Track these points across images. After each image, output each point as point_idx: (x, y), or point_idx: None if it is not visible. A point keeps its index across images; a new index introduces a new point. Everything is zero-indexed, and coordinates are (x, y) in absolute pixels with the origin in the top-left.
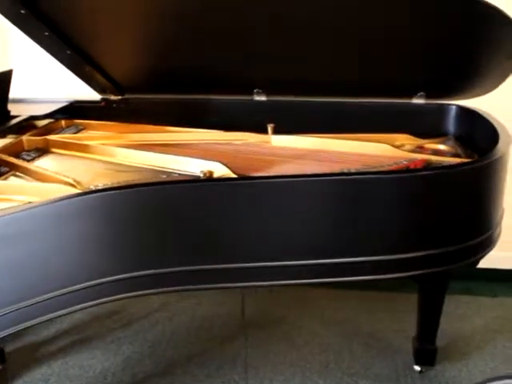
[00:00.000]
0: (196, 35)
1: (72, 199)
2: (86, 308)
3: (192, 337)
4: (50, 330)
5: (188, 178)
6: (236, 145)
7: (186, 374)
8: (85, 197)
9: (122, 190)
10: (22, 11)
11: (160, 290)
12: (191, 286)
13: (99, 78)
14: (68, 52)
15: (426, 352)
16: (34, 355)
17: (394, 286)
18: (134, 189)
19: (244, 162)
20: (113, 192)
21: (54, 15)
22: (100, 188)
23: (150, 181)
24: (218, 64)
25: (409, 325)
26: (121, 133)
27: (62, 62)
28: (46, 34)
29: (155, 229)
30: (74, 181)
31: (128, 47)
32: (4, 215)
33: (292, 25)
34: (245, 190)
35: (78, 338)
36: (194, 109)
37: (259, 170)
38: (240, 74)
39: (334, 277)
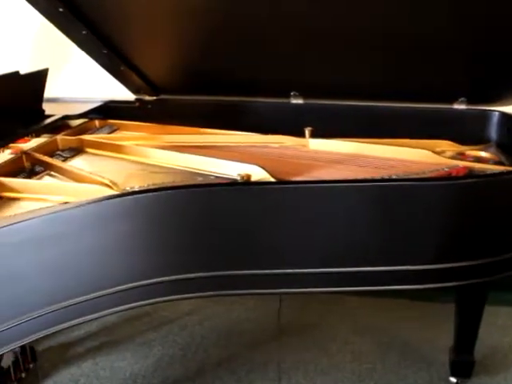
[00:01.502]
0: (233, 36)
1: (112, 200)
2: (119, 312)
3: (222, 341)
4: (80, 331)
5: (229, 181)
6: (273, 148)
7: (216, 379)
8: (125, 198)
9: (162, 192)
10: (61, 9)
11: (193, 295)
12: (226, 292)
13: (134, 77)
14: (104, 51)
15: (463, 363)
16: (64, 355)
17: (428, 294)
18: (175, 191)
19: (281, 165)
20: (153, 194)
21: (92, 14)
22: (140, 189)
23: (190, 183)
24: (255, 66)
25: (445, 335)
26: (155, 134)
27: (97, 61)
28: (84, 32)
29: (192, 232)
30: (111, 182)
31: (164, 47)
32: (42, 215)
33: (331, 27)
34: (284, 195)
35: (107, 340)
36: (230, 111)
37: (297, 174)
38: (277, 77)
39: (371, 285)
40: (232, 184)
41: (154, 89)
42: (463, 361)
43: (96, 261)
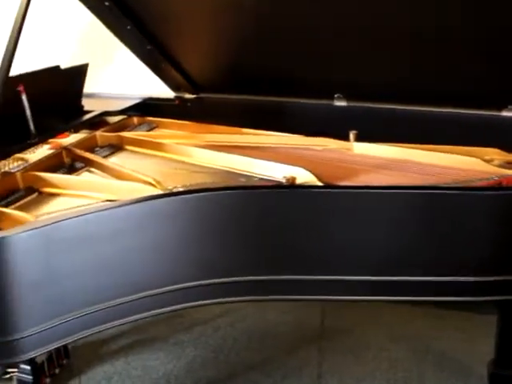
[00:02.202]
0: (277, 35)
1: (164, 199)
2: (164, 313)
3: (255, 344)
4: (113, 329)
5: (275, 184)
6: (316, 150)
7: (250, 382)
8: (178, 197)
9: (214, 193)
10: (107, 3)
11: (236, 298)
12: (271, 297)
13: (175, 74)
14: (148, 47)
15: (503, 377)
16: (97, 352)
17: (466, 304)
18: (225, 191)
19: (326, 168)
20: (205, 194)
21: (138, 9)
22: (191, 189)
23: (244, 185)
24: (298, 66)
25: (484, 347)
26: (194, 132)
27: (139, 57)
28: (129, 27)
29: (241, 235)
30: (154, 180)
31: (207, 45)
32: (87, 213)
33: (378, 29)
34: (330, 200)
35: (140, 338)
36: (271, 111)
37: (343, 178)
38: (320, 78)
39: (411, 296)
40: (288, 187)
41: (194, 87)
42: (503, 374)
43: (144, 261)
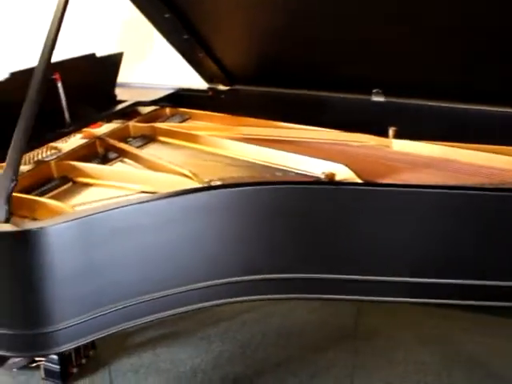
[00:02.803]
0: (314, 29)
1: (206, 192)
2: (203, 308)
3: (283, 341)
4: None
5: (313, 179)
6: (354, 146)
7: (277, 381)
8: (218, 191)
9: (254, 187)
10: None
11: (268, 296)
12: (303, 295)
13: (210, 65)
14: (185, 36)
15: None
16: (124, 345)
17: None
18: (269, 186)
19: (365, 165)
20: (248, 188)
21: None
22: (234, 183)
23: (287, 179)
24: (336, 60)
25: None
26: (228, 125)
27: (175, 46)
28: (167, 16)
29: (279, 231)
30: (191, 172)
31: (244, 36)
32: (129, 205)
33: (419, 23)
34: (371, 197)
35: (168, 332)
36: (307, 105)
37: (383, 176)
38: (359, 72)
39: (456, 299)
40: (335, 183)
41: (228, 78)
42: None
43: (186, 254)
